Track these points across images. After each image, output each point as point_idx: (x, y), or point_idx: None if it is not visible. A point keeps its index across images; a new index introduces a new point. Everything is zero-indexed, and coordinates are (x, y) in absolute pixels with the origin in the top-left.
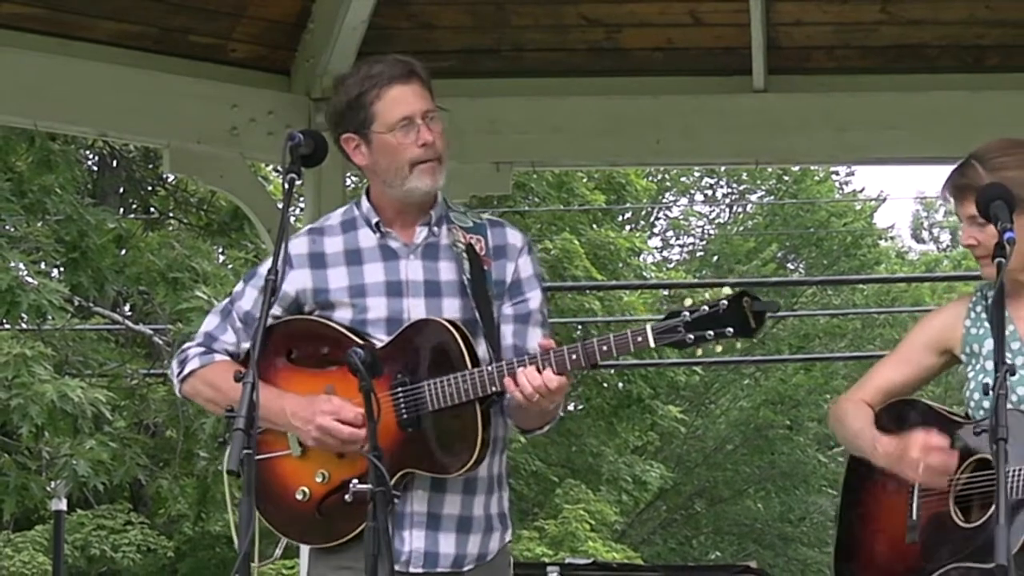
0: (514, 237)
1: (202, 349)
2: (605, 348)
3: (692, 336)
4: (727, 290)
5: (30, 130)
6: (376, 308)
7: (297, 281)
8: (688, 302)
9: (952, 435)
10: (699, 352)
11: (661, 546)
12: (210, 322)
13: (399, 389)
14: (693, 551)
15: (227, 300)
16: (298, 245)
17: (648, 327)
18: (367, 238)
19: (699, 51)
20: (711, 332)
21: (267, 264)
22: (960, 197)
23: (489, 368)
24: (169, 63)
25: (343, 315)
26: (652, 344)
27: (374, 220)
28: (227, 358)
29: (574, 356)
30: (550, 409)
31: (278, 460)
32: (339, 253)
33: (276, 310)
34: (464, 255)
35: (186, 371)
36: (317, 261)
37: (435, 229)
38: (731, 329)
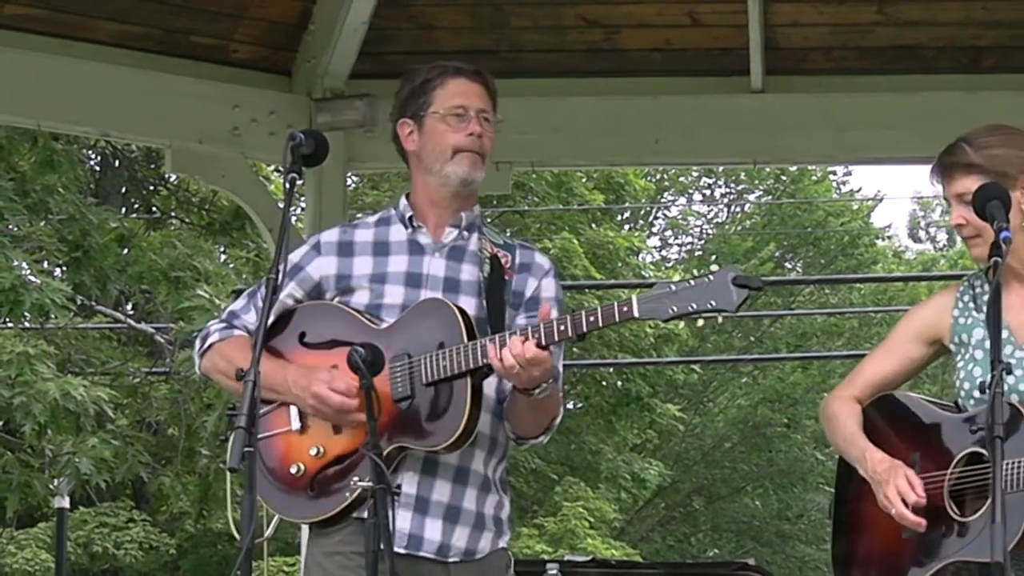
0: (541, 259)
1: (223, 324)
2: (592, 319)
3: (675, 308)
4: (713, 266)
5: (33, 130)
6: (393, 295)
7: (323, 267)
8: (675, 277)
9: (945, 432)
10: (684, 325)
11: (660, 543)
12: (237, 303)
13: (398, 364)
14: (691, 548)
15: (257, 284)
16: (329, 235)
17: (634, 298)
18: (398, 233)
19: (697, 52)
20: (694, 305)
21: (298, 252)
22: (948, 175)
23: (482, 341)
24: (171, 64)
25: (360, 299)
26: (637, 314)
27: (408, 215)
28: (245, 334)
29: (562, 327)
30: (539, 399)
31: (278, 437)
32: (368, 243)
33: (298, 292)
34: (487, 262)
35: (206, 345)
36: (345, 249)
37: (465, 233)
38: (713, 303)
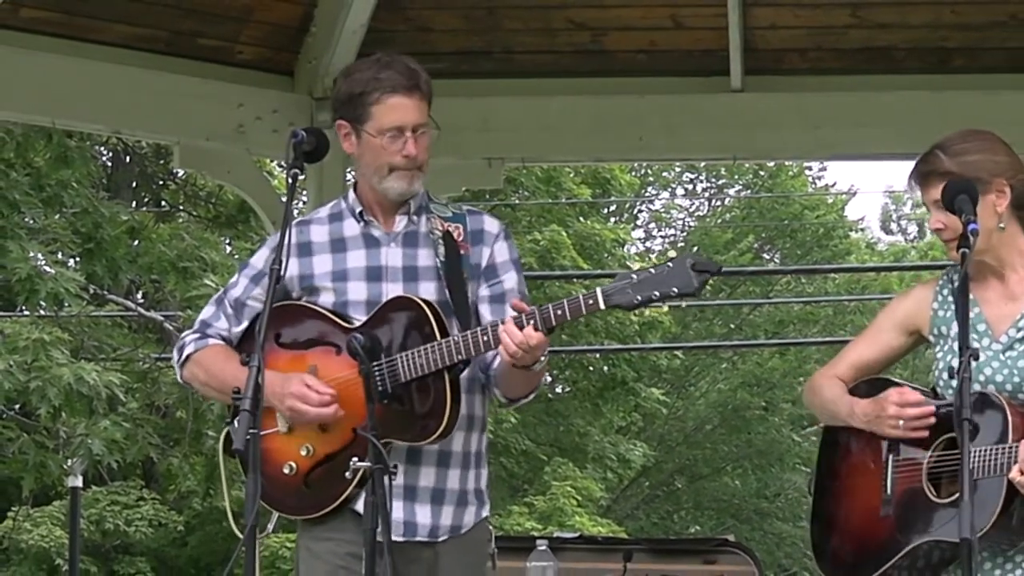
0: (491, 224)
1: (197, 335)
2: (560, 312)
3: (640, 297)
4: (672, 253)
5: (48, 128)
6: (356, 292)
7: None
8: (636, 266)
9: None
10: (667, 310)
11: (644, 520)
12: (206, 311)
13: (375, 363)
14: (674, 525)
15: (222, 290)
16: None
17: (598, 290)
18: (351, 227)
19: (680, 53)
20: (657, 292)
21: (259, 255)
22: (925, 183)
23: (455, 338)
24: (179, 64)
25: (326, 299)
26: (602, 306)
27: (358, 210)
28: (220, 342)
29: (532, 322)
30: (535, 371)
31: (267, 437)
32: (324, 242)
33: (264, 296)
34: (441, 241)
35: (184, 356)
36: (304, 250)
37: (414, 218)
38: (675, 289)
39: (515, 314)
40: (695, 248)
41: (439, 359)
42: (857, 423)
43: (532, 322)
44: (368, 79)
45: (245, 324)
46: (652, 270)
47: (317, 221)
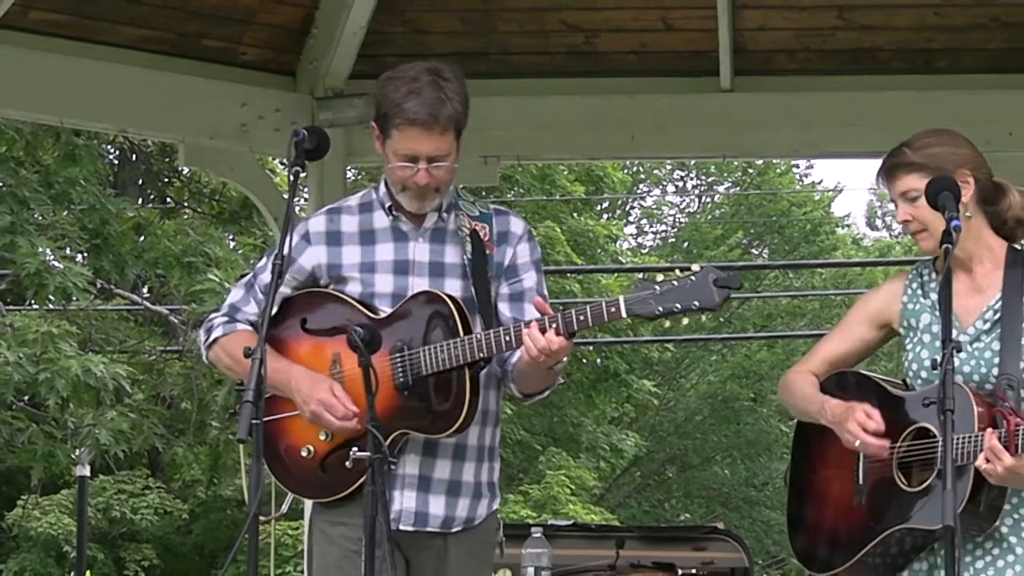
0: (516, 226)
1: (226, 319)
2: (582, 318)
3: (661, 308)
4: (695, 266)
5: (56, 126)
6: (383, 284)
7: (313, 257)
8: (660, 277)
9: (894, 408)
10: (666, 324)
11: (636, 509)
12: (235, 294)
13: (398, 354)
14: (665, 513)
15: (251, 274)
16: (317, 224)
17: (621, 299)
18: (381, 220)
19: (670, 54)
20: (679, 305)
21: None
22: (891, 176)
23: (479, 336)
24: (184, 65)
25: (353, 289)
26: (624, 315)
27: (387, 204)
28: (248, 327)
29: (554, 326)
30: (555, 370)
31: (288, 420)
32: (354, 233)
33: (293, 282)
34: (468, 239)
35: (211, 338)
36: (333, 239)
37: (444, 215)
38: (697, 303)
39: (538, 316)
40: (685, 244)
41: (461, 355)
42: (825, 421)
43: (555, 326)
44: (394, 103)
45: (275, 310)
46: (675, 282)
47: (347, 210)
